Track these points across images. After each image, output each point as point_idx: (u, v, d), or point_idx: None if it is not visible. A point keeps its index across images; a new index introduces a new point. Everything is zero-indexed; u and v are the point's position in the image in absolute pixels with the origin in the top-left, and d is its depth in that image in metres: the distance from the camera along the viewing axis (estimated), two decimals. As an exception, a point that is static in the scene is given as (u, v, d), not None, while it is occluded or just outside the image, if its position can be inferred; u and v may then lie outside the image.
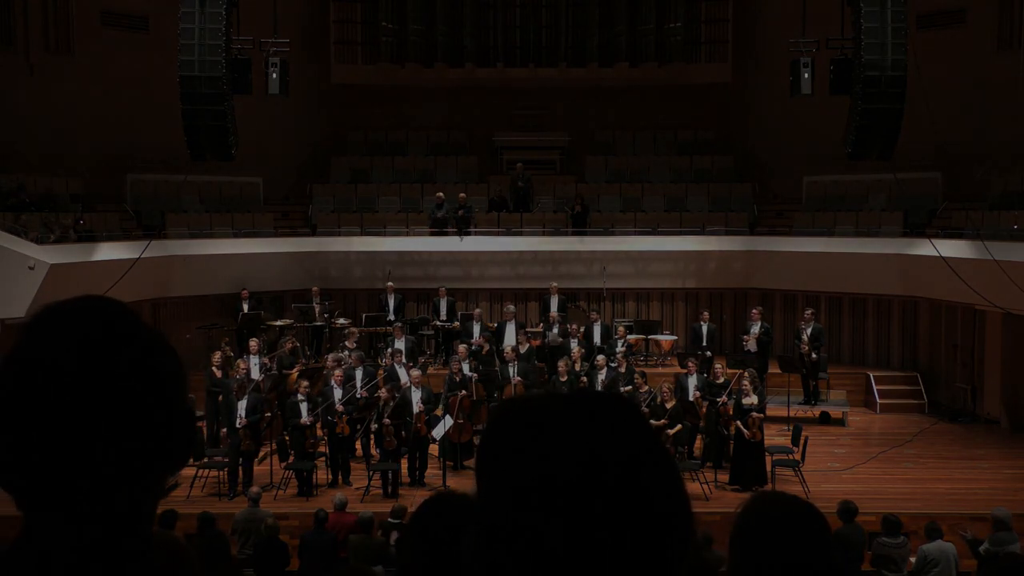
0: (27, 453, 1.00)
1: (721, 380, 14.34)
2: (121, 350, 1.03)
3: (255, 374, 14.72)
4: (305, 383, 13.75)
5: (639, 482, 0.95)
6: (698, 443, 14.37)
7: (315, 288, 18.57)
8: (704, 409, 13.88)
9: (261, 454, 13.63)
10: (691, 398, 13.93)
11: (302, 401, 13.34)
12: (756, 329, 17.30)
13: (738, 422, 13.20)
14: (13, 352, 1.03)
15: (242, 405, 13.17)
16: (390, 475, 13.18)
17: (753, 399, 13.31)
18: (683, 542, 0.98)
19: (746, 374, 13.77)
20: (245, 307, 18.00)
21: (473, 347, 16.23)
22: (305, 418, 13.21)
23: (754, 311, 17.84)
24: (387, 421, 13.28)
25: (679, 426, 13.39)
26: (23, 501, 1.03)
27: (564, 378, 14.59)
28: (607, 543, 0.93)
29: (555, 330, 17.07)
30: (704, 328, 17.77)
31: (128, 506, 1.04)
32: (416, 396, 13.60)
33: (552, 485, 0.94)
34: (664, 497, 0.97)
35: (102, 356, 1.02)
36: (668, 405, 13.44)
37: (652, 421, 12.63)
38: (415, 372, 14.14)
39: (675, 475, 0.99)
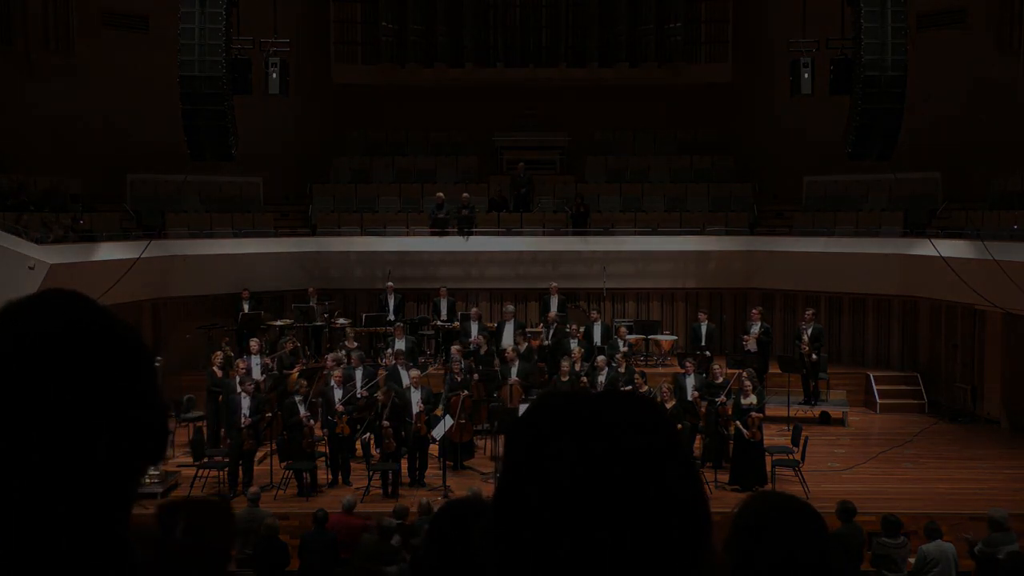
0: None
1: (720, 380, 14.35)
2: (90, 343, 1.01)
3: (256, 374, 14.72)
4: (305, 383, 13.76)
5: (657, 482, 0.95)
6: (698, 443, 14.37)
7: (311, 288, 18.58)
8: (704, 409, 13.88)
9: (261, 454, 13.63)
10: (689, 398, 13.94)
11: (301, 402, 13.34)
12: (756, 329, 17.30)
13: (738, 422, 13.21)
14: None
15: (246, 404, 13.17)
16: (390, 475, 13.18)
17: (752, 399, 13.32)
18: (699, 543, 0.98)
19: (745, 374, 13.78)
20: (245, 307, 18.00)
21: (471, 346, 16.22)
22: (303, 412, 13.22)
23: (754, 311, 17.84)
24: (386, 423, 13.29)
25: (679, 426, 13.40)
26: None
27: (565, 378, 14.58)
28: (619, 542, 0.93)
29: (551, 332, 17.05)
30: (703, 328, 17.76)
31: (102, 505, 1.01)
32: (416, 396, 13.60)
33: (568, 483, 0.94)
34: (682, 498, 0.97)
35: (70, 349, 0.99)
36: (668, 405, 13.44)
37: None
38: (414, 372, 14.14)
39: (695, 478, 1.00)
